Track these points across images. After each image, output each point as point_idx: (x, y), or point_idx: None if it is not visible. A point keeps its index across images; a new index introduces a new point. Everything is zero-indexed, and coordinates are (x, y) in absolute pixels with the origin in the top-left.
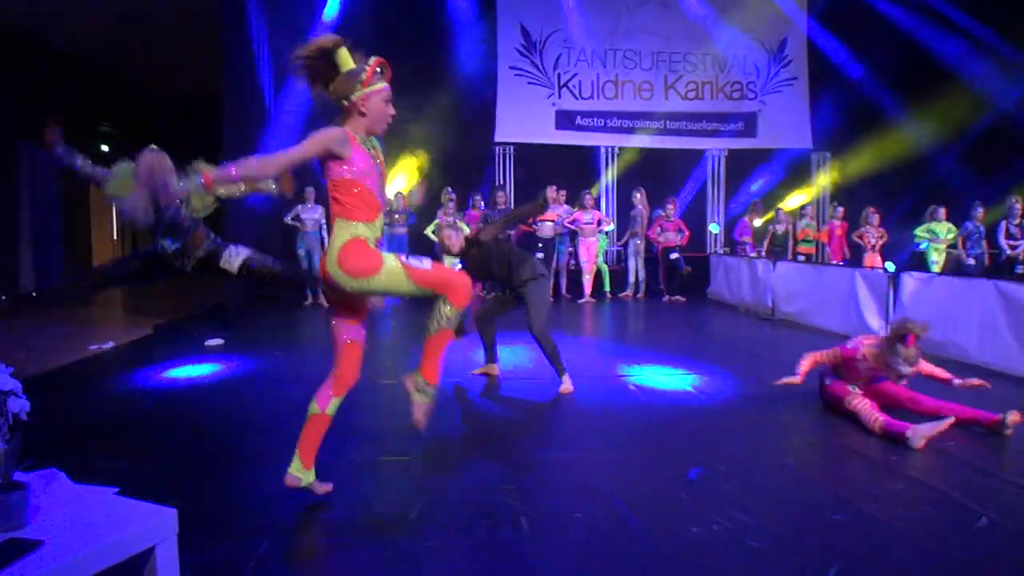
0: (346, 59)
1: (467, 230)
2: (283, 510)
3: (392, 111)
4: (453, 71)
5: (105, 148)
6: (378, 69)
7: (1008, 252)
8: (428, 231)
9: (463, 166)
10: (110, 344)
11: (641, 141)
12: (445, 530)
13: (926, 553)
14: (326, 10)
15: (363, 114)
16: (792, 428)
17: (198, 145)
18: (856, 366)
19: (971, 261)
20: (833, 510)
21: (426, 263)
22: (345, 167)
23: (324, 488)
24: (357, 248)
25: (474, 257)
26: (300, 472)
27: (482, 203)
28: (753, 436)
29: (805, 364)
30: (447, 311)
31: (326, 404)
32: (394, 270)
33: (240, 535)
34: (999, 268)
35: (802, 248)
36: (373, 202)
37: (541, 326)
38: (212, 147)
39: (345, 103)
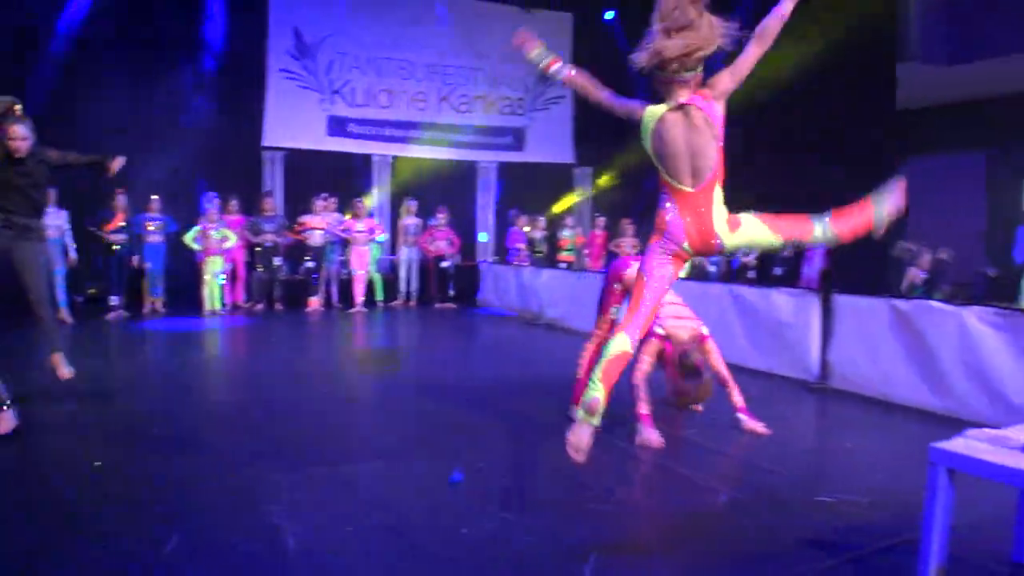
0: None
1: (233, 238)
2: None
3: None
4: (218, 70)
5: None
6: None
7: (742, 259)
8: (188, 239)
9: (229, 170)
10: None
11: (415, 151)
12: (216, 557)
13: (675, 531)
14: None
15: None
16: (551, 425)
17: None
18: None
19: (712, 268)
20: (594, 500)
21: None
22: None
23: None
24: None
25: (18, 172)
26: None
27: (237, 205)
28: (516, 433)
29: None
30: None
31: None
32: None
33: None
34: (734, 274)
35: (563, 256)
36: None
37: (43, 294)
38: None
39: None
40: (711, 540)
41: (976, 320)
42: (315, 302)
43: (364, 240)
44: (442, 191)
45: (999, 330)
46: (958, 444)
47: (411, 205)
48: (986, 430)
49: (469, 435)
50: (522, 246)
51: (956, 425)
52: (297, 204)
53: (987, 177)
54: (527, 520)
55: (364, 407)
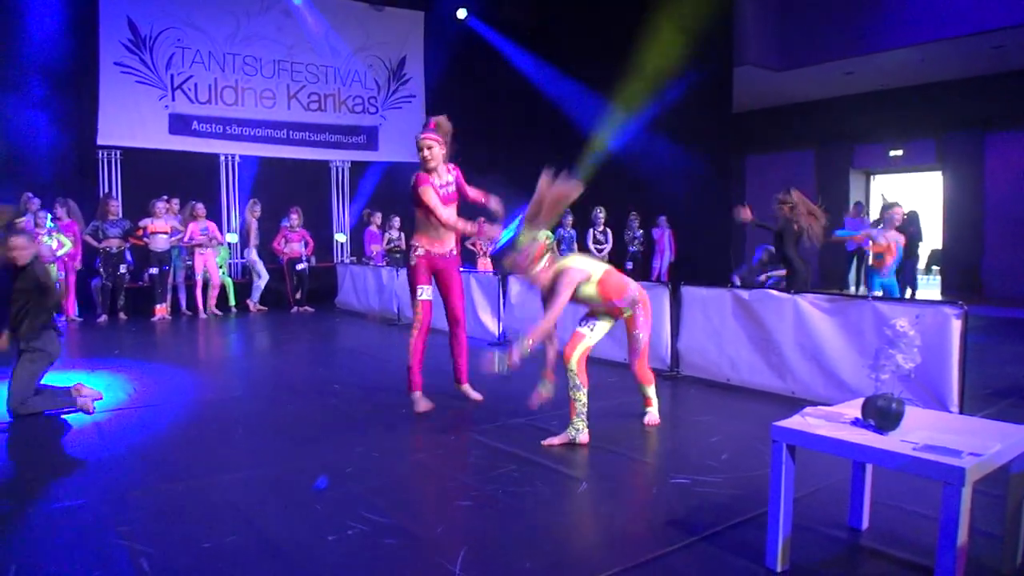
0: None
1: (69, 245)
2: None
3: None
4: (46, 62)
5: None
6: None
7: (596, 255)
8: None
9: (59, 171)
10: None
11: (263, 150)
12: None
13: (537, 522)
14: None
15: None
16: (414, 425)
17: None
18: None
19: None
20: (458, 496)
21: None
22: None
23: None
24: None
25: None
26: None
27: (63, 210)
28: (380, 435)
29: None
30: None
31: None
32: None
33: None
34: None
35: None
36: None
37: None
38: None
39: None
40: (573, 528)
41: (809, 306)
42: (162, 310)
43: (210, 243)
44: (295, 191)
45: (829, 314)
46: (796, 422)
47: (255, 207)
48: (821, 407)
49: (333, 440)
50: (378, 246)
51: (795, 404)
52: (134, 207)
53: (816, 171)
54: (393, 521)
55: (220, 418)
